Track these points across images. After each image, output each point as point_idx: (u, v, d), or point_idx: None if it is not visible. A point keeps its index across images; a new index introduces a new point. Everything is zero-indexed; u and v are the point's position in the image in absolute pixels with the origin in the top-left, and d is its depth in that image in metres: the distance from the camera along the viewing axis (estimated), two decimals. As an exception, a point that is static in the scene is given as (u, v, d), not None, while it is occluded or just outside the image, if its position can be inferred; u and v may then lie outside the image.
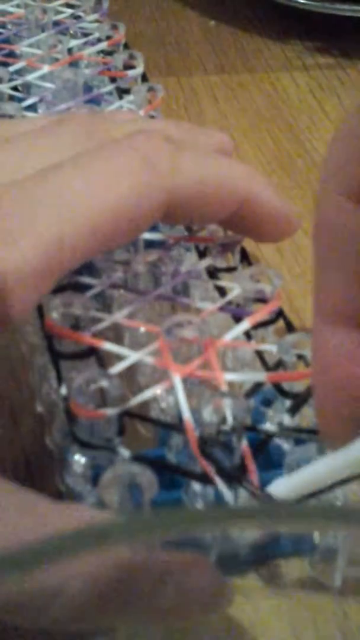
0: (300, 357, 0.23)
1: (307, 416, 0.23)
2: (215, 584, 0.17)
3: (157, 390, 0.22)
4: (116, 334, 0.26)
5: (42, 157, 0.23)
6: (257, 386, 0.23)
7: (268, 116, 0.40)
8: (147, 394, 0.22)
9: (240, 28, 0.46)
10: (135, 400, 0.22)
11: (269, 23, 0.46)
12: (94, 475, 0.21)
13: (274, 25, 0.46)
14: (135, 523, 0.14)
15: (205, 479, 0.20)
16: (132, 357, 0.23)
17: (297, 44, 0.45)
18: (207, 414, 0.21)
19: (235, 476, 0.20)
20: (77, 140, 0.24)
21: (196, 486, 0.21)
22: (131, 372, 0.25)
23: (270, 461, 0.22)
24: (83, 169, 0.22)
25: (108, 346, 0.23)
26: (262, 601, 0.18)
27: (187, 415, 0.21)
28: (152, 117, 0.33)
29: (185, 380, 0.22)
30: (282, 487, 0.19)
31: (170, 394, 0.23)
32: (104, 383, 0.21)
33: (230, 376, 0.23)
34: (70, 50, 0.37)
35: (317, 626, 0.18)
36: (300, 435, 0.22)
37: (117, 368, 0.23)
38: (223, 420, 0.21)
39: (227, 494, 0.20)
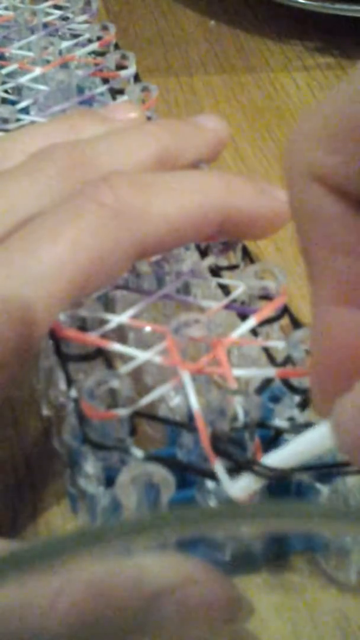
0: (308, 352, 0.23)
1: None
2: (224, 596, 0.17)
3: (167, 388, 0.22)
4: (120, 334, 0.26)
5: (22, 206, 0.24)
6: (267, 382, 0.23)
7: (268, 116, 0.40)
8: (157, 392, 0.22)
9: (240, 28, 0.46)
10: (145, 400, 0.22)
11: (269, 23, 0.46)
12: (107, 476, 0.21)
13: (274, 25, 0.46)
14: (145, 522, 0.14)
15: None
16: (141, 357, 0.23)
17: (297, 44, 0.45)
18: (218, 412, 0.21)
19: (239, 461, 0.20)
20: (53, 184, 0.25)
21: (209, 484, 0.21)
22: (137, 373, 0.24)
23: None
24: (49, 232, 0.23)
25: (116, 347, 0.23)
26: (262, 600, 0.18)
27: (197, 410, 0.21)
28: (147, 117, 0.33)
29: (194, 379, 0.22)
30: (275, 458, 0.20)
31: (178, 394, 0.23)
32: (115, 384, 0.21)
33: (239, 372, 0.23)
34: (60, 52, 0.37)
35: (317, 626, 0.18)
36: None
37: (126, 368, 0.23)
38: (234, 417, 0.21)
39: (229, 486, 0.20)
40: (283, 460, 0.20)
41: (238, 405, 0.21)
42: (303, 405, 0.22)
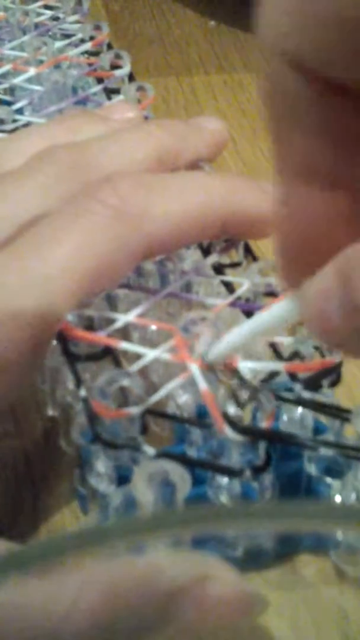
0: (316, 348, 0.23)
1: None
2: (237, 591, 0.17)
3: (177, 383, 0.22)
4: (123, 334, 0.26)
5: (25, 208, 0.24)
6: (272, 375, 0.23)
7: (268, 116, 0.40)
8: (167, 389, 0.22)
9: (240, 28, 0.46)
10: (155, 398, 0.22)
11: (269, 23, 0.46)
12: (117, 475, 0.21)
13: (274, 25, 0.46)
14: (159, 520, 0.14)
15: (232, 472, 0.20)
16: (150, 355, 0.23)
17: (297, 43, 0.45)
18: (229, 406, 0.21)
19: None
20: (54, 185, 0.25)
21: (221, 480, 0.21)
22: (142, 372, 0.24)
23: (288, 452, 0.22)
24: (54, 233, 0.23)
25: (126, 346, 0.23)
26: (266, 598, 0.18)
27: (205, 389, 0.21)
28: (145, 117, 0.33)
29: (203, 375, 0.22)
30: (217, 349, 0.21)
31: (186, 391, 0.23)
32: (126, 382, 0.21)
33: (248, 366, 0.23)
34: (54, 52, 0.37)
35: (317, 626, 0.18)
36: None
37: (135, 367, 0.23)
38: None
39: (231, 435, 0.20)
40: (222, 351, 0.21)
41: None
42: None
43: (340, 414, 0.21)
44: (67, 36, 0.39)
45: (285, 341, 0.24)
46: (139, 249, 0.23)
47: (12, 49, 0.38)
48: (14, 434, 0.27)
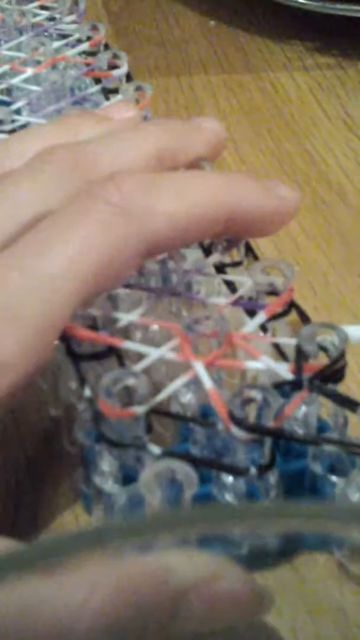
0: (321, 347, 0.23)
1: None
2: (246, 589, 0.17)
3: (181, 382, 0.22)
4: (124, 333, 0.26)
5: (26, 207, 0.24)
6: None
7: (268, 116, 0.40)
8: (171, 388, 0.22)
9: (240, 28, 0.46)
10: (160, 397, 0.22)
11: (269, 23, 0.47)
12: (123, 474, 0.21)
13: (274, 25, 0.46)
14: (166, 519, 0.14)
15: (237, 471, 0.20)
16: (153, 354, 0.23)
17: (297, 44, 0.45)
18: (235, 406, 0.21)
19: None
20: (56, 185, 0.25)
21: (227, 479, 0.21)
22: (144, 371, 0.24)
23: (292, 450, 0.22)
24: (59, 232, 0.23)
25: (130, 345, 0.23)
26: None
27: (211, 388, 0.21)
28: (144, 117, 0.33)
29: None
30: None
31: (189, 390, 0.23)
32: (131, 381, 0.21)
33: (252, 365, 0.23)
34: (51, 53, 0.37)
35: (317, 626, 0.18)
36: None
37: (139, 366, 0.23)
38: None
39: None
40: None
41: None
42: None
43: (349, 404, 0.21)
44: (64, 36, 0.39)
45: (288, 342, 0.24)
46: (143, 248, 0.24)
47: (9, 49, 0.38)
48: (14, 434, 0.27)
